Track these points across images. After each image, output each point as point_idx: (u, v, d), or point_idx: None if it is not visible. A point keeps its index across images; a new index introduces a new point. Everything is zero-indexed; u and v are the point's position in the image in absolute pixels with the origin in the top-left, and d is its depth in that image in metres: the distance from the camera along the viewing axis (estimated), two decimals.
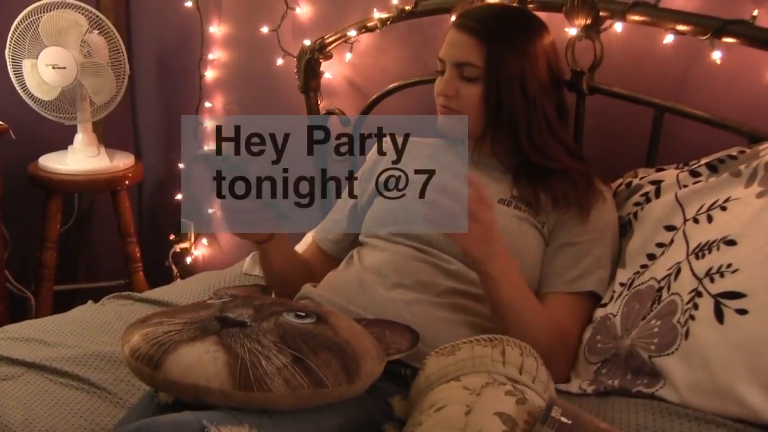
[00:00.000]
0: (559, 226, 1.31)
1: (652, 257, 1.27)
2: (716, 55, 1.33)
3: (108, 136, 2.64)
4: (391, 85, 1.88)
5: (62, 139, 2.50)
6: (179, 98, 2.68)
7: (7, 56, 2.32)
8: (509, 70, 1.30)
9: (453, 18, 1.44)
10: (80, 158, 2.45)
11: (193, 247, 2.74)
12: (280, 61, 2.18)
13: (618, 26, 1.48)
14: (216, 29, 2.43)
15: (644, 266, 1.27)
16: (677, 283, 1.16)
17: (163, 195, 2.84)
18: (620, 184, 1.42)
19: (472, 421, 0.89)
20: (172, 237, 2.77)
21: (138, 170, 2.54)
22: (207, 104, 2.52)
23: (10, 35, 2.30)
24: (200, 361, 0.92)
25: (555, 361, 1.14)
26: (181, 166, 2.68)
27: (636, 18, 1.42)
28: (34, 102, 2.38)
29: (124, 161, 2.52)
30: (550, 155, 1.34)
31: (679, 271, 1.17)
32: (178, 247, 2.75)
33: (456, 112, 1.36)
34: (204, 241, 2.71)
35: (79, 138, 2.46)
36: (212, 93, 2.52)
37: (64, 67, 2.28)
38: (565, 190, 1.31)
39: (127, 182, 2.51)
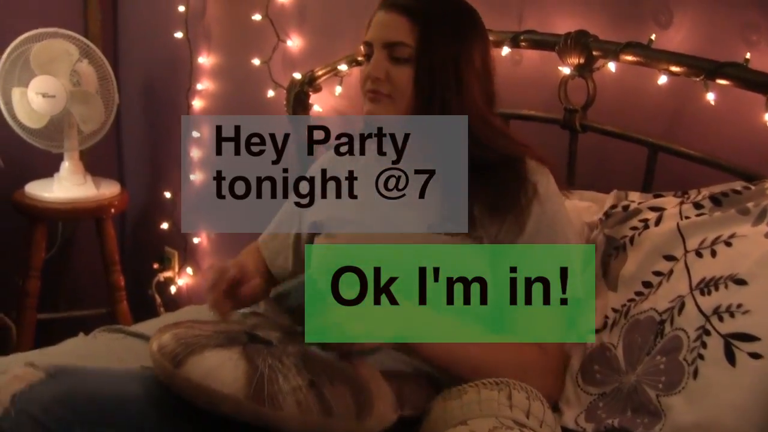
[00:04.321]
0: (500, 239, 1.20)
1: (648, 285, 1.23)
2: (710, 96, 1.32)
3: (93, 164, 2.60)
4: None
5: (49, 167, 2.45)
6: (166, 127, 2.66)
7: None
8: (443, 50, 1.19)
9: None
10: (67, 186, 2.40)
11: (177, 277, 2.70)
12: (271, 93, 2.16)
13: (611, 66, 1.47)
14: (205, 60, 2.43)
15: (640, 293, 1.23)
16: (682, 318, 1.12)
17: (147, 224, 2.82)
18: (616, 206, 1.37)
19: None
20: (155, 266, 2.74)
21: (123, 199, 2.50)
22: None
23: (0, 64, 2.26)
24: (221, 366, 0.94)
25: (535, 379, 1.10)
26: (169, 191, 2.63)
27: (629, 58, 1.41)
28: (22, 130, 2.33)
29: (110, 190, 2.47)
30: (483, 141, 1.22)
31: (683, 306, 1.14)
32: (161, 276, 2.72)
33: (386, 97, 1.22)
34: (189, 270, 2.67)
35: (65, 166, 2.42)
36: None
37: (54, 96, 2.25)
38: (495, 200, 1.20)
39: (112, 210, 2.46)
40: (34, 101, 2.24)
